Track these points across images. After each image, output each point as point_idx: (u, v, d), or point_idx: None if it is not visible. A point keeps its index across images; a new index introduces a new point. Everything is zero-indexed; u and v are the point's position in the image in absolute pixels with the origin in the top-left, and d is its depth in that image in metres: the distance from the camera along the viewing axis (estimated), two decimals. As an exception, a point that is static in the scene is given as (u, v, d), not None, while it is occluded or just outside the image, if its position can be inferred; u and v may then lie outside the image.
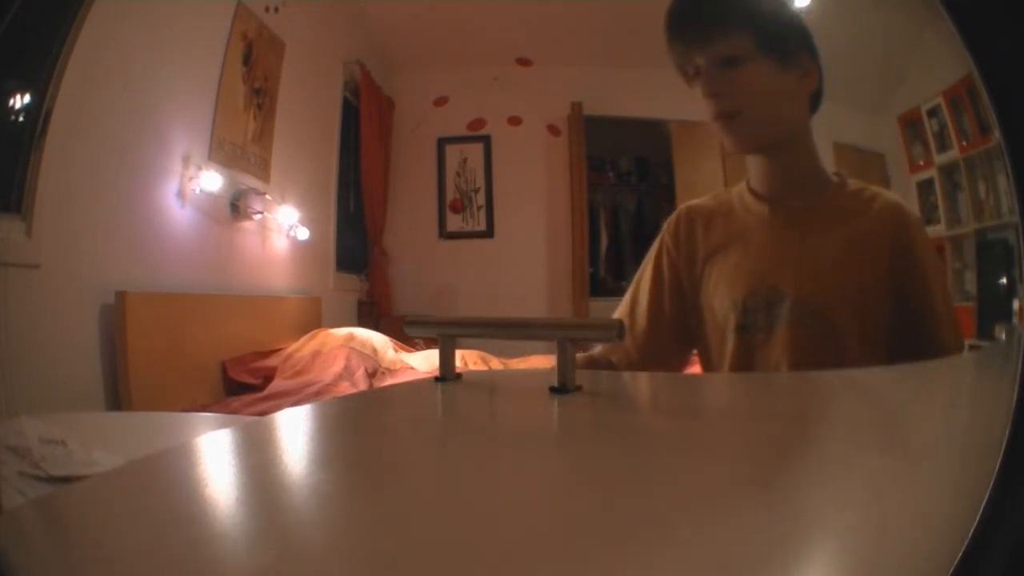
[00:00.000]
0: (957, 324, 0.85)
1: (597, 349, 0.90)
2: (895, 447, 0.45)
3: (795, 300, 0.82)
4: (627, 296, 0.95)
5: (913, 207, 0.94)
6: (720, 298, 0.87)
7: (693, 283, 0.90)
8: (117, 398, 1.32)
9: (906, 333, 0.82)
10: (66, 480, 0.80)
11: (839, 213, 0.87)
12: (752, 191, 0.89)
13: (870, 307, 0.83)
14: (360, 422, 0.60)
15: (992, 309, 0.80)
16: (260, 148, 1.68)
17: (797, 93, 0.85)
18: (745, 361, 0.85)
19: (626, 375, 0.88)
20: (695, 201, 0.95)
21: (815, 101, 0.86)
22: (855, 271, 0.84)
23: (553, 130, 1.79)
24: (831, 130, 1.09)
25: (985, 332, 0.81)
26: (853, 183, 0.88)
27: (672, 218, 0.94)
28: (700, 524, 0.31)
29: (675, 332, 0.92)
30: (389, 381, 1.63)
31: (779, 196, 0.88)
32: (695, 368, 0.95)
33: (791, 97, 0.86)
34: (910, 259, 0.84)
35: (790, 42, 0.83)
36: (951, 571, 0.29)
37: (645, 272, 0.94)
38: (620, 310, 0.95)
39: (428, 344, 1.58)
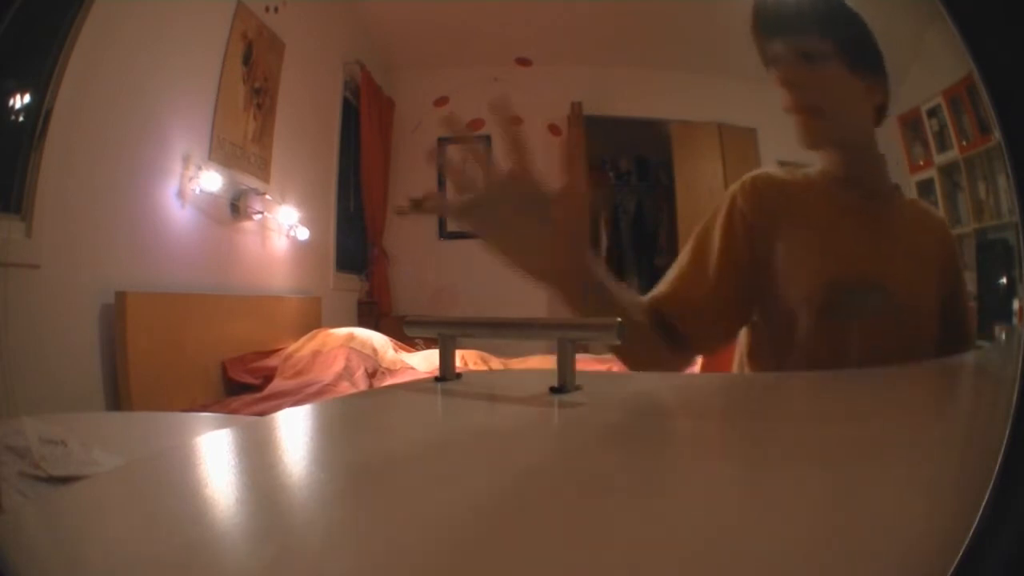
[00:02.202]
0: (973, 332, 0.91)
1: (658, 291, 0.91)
2: (895, 447, 0.45)
3: (888, 291, 0.88)
4: (685, 259, 0.94)
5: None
6: (801, 276, 0.90)
7: (767, 249, 0.92)
8: (117, 398, 1.31)
9: (951, 335, 0.89)
10: (66, 480, 0.80)
11: (909, 217, 0.94)
12: (834, 179, 0.93)
13: (933, 307, 0.89)
14: (360, 422, 0.60)
15: (992, 309, 0.80)
16: (260, 148, 1.68)
17: (864, 103, 0.91)
18: (827, 345, 0.88)
19: (627, 375, 0.88)
20: (768, 170, 0.98)
21: (879, 117, 0.92)
22: (925, 273, 0.91)
23: (554, 130, 1.79)
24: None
25: (985, 332, 0.82)
26: (908, 194, 0.95)
27: (747, 181, 0.95)
28: (699, 524, 0.31)
29: (744, 291, 0.93)
30: (389, 381, 1.63)
31: (861, 191, 0.94)
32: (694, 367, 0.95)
33: (859, 104, 0.92)
34: (955, 274, 0.91)
35: (862, 54, 0.89)
36: (951, 571, 0.29)
37: (714, 227, 0.93)
38: (677, 269, 0.94)
39: (428, 344, 1.58)
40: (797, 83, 0.90)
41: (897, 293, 0.88)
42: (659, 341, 0.89)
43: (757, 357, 0.92)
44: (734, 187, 0.94)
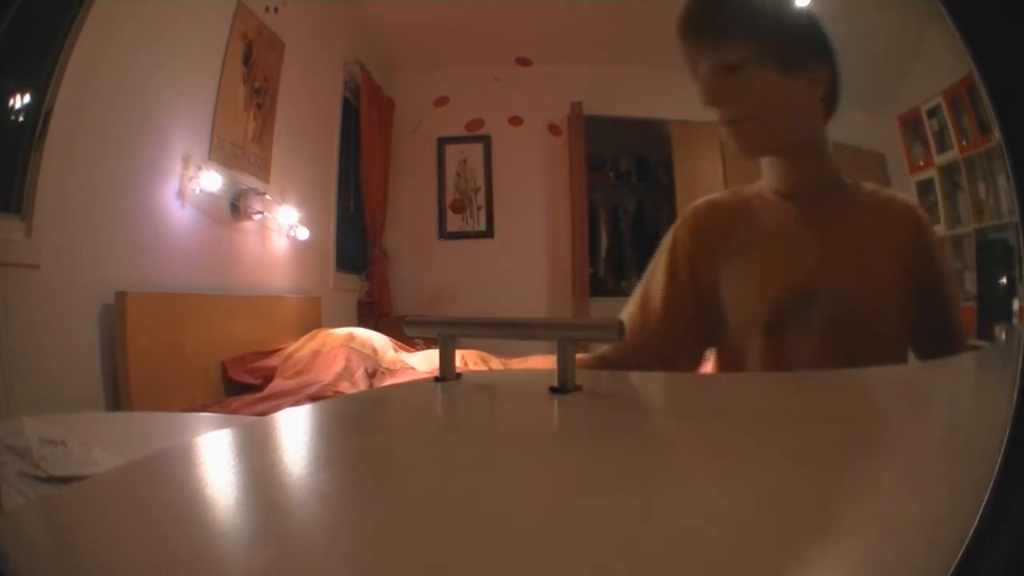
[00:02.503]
0: (964, 322, 0.87)
1: (603, 349, 0.90)
2: (896, 447, 0.45)
3: (832, 298, 0.84)
4: (636, 294, 0.94)
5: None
6: (747, 296, 0.88)
7: (713, 279, 0.90)
8: (117, 398, 1.31)
9: (925, 332, 0.85)
10: (66, 480, 0.80)
11: (861, 214, 0.89)
12: (775, 191, 0.90)
13: (896, 306, 0.84)
14: (360, 422, 0.60)
15: (992, 309, 0.80)
16: (260, 148, 1.68)
17: (805, 99, 0.86)
18: (778, 359, 0.85)
19: (627, 375, 0.88)
20: (710, 197, 0.95)
21: (829, 106, 0.87)
22: (881, 270, 0.86)
23: (554, 130, 1.79)
24: (831, 130, 1.09)
25: (985, 332, 0.82)
26: (868, 186, 0.90)
27: (688, 213, 0.93)
28: (700, 525, 0.31)
29: (692, 330, 0.91)
30: (389, 381, 1.63)
31: (802, 197, 0.89)
32: (703, 368, 0.94)
33: (798, 103, 0.87)
34: (927, 260, 0.86)
35: (793, 49, 0.84)
36: (951, 571, 0.29)
37: (658, 268, 0.92)
38: (628, 309, 0.94)
39: (428, 344, 1.58)
40: (725, 97, 0.85)
41: (846, 295, 0.84)
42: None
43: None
44: (676, 223, 0.93)
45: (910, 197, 0.92)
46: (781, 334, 0.85)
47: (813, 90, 0.85)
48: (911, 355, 0.86)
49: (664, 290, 0.90)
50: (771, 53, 0.83)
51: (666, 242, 0.92)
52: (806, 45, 0.85)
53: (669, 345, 0.90)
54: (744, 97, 0.85)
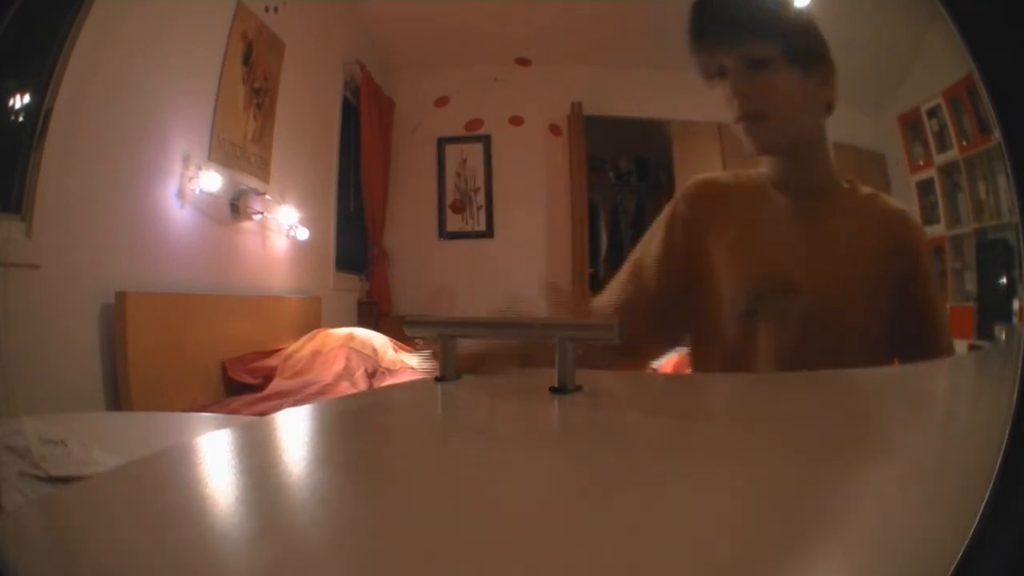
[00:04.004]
0: (948, 328, 0.88)
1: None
2: (895, 447, 0.45)
3: (809, 293, 0.84)
4: (626, 266, 0.93)
5: (914, 211, 0.95)
6: (730, 279, 0.88)
7: (701, 255, 0.90)
8: (117, 398, 1.31)
9: (905, 334, 0.85)
10: (66, 480, 0.80)
11: (852, 216, 0.90)
12: (773, 182, 0.91)
13: (874, 307, 0.85)
14: (360, 422, 0.60)
15: (992, 309, 0.80)
16: (260, 148, 1.68)
17: (816, 100, 0.88)
18: (749, 348, 0.86)
19: (627, 375, 0.88)
20: (711, 175, 0.96)
21: (828, 108, 0.89)
22: (864, 272, 0.86)
23: (555, 130, 1.79)
24: (831, 130, 1.09)
25: (985, 332, 0.82)
26: (864, 189, 0.91)
27: (689, 186, 0.94)
28: (700, 525, 0.31)
29: (679, 305, 0.91)
30: (389, 381, 1.63)
31: (797, 193, 0.90)
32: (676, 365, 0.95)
33: (811, 103, 0.89)
34: (914, 265, 0.87)
35: (814, 51, 0.86)
36: (951, 571, 0.29)
37: (654, 239, 0.92)
38: (616, 286, 0.93)
39: (428, 344, 1.58)
40: (747, 92, 0.86)
41: (823, 294, 0.85)
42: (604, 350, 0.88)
43: (692, 358, 0.92)
44: (678, 194, 0.94)
45: (903, 204, 0.92)
46: (755, 324, 0.85)
47: (823, 91, 0.87)
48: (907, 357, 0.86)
49: (660, 262, 0.90)
50: (797, 53, 0.85)
51: (665, 213, 0.93)
52: (821, 49, 0.86)
53: (662, 312, 0.89)
54: (767, 94, 0.86)
